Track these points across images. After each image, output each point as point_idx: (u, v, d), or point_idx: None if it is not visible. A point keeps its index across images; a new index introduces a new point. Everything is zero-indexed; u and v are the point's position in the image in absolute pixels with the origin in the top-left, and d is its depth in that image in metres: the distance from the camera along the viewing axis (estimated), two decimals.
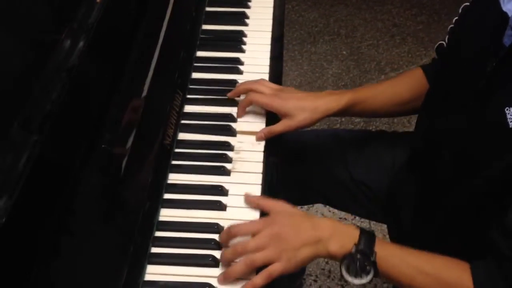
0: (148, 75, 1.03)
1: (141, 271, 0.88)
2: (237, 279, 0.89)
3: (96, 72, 0.99)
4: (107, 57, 1.02)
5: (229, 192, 1.01)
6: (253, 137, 1.11)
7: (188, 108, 1.15)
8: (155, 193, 0.97)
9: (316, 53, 2.63)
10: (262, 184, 1.03)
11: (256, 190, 1.02)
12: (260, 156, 1.08)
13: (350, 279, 0.90)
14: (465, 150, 0.98)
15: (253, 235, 0.91)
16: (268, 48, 1.30)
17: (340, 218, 1.91)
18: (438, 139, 1.04)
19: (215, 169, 1.04)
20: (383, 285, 1.80)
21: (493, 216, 0.91)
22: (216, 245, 0.93)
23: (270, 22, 1.37)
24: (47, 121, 0.81)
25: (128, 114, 0.95)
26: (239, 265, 0.88)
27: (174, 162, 1.05)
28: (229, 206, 0.99)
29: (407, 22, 2.79)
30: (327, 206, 1.72)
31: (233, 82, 1.21)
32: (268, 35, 1.33)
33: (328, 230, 0.92)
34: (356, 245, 0.90)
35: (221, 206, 0.98)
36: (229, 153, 1.07)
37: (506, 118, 0.88)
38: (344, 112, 1.16)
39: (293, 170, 1.30)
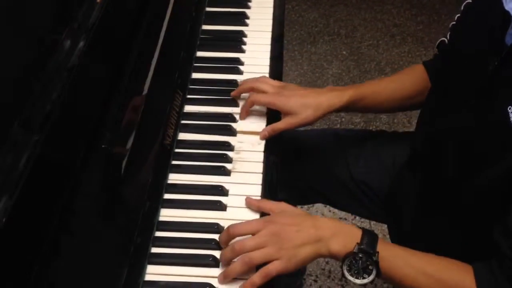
0: (148, 75, 1.03)
1: (141, 271, 0.88)
2: (238, 278, 0.88)
3: (96, 72, 0.99)
4: (107, 57, 1.02)
5: (229, 192, 1.01)
6: (253, 137, 1.11)
7: (188, 108, 1.15)
8: (155, 193, 0.97)
9: (316, 53, 2.63)
10: (262, 184, 1.03)
11: (256, 190, 1.02)
12: (260, 156, 1.08)
13: (351, 279, 0.90)
14: (467, 150, 0.98)
15: (253, 234, 0.91)
16: (268, 48, 1.30)
17: (340, 218, 1.91)
18: (440, 139, 1.04)
19: (215, 169, 1.04)
20: (383, 285, 1.80)
21: (495, 216, 0.91)
22: (217, 245, 0.92)
23: (270, 22, 1.37)
24: (48, 121, 0.81)
25: (128, 114, 0.95)
26: (238, 263, 0.88)
27: (174, 162, 1.05)
28: (229, 206, 0.99)
29: (407, 22, 2.79)
30: (327, 206, 1.72)
31: (233, 82, 1.21)
32: (268, 35, 1.33)
33: (330, 229, 0.91)
34: (359, 244, 0.89)
35: (221, 206, 0.98)
36: (229, 153, 1.07)
37: (509, 117, 0.87)
38: (347, 108, 1.17)
39: (293, 170, 1.30)
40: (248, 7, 1.40)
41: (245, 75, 1.23)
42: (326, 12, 2.85)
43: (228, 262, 0.89)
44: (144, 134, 0.98)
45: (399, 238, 1.21)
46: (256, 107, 1.15)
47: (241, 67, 1.25)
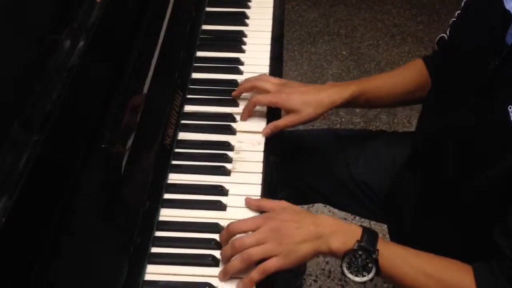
0: (148, 75, 1.03)
1: (141, 271, 0.88)
2: (238, 275, 0.88)
3: (96, 72, 0.99)
4: (107, 57, 1.02)
5: (229, 192, 1.01)
6: (253, 137, 1.11)
7: (188, 108, 1.15)
8: (155, 193, 0.97)
9: (316, 53, 2.63)
10: (262, 184, 1.03)
11: (256, 190, 1.02)
12: (260, 156, 1.08)
13: (351, 276, 0.89)
14: (467, 149, 0.98)
15: (254, 231, 0.91)
16: (268, 48, 1.30)
17: (340, 218, 1.90)
18: (440, 138, 1.04)
19: (215, 169, 1.04)
20: (383, 285, 1.80)
21: (496, 216, 0.91)
22: (216, 245, 0.92)
23: (270, 22, 1.37)
24: (48, 121, 0.81)
25: (128, 114, 0.95)
26: (237, 260, 0.88)
27: (174, 162, 1.05)
28: (229, 206, 0.99)
29: (407, 22, 2.79)
30: (327, 206, 1.72)
31: (233, 82, 1.21)
32: (268, 35, 1.33)
33: (330, 226, 0.91)
34: (359, 241, 0.89)
35: (221, 206, 0.98)
36: (229, 153, 1.07)
37: (509, 117, 0.87)
38: (348, 103, 1.17)
39: (293, 170, 1.30)
40: (248, 7, 1.40)
41: (245, 75, 1.23)
42: (326, 12, 2.85)
43: (228, 260, 0.89)
44: (144, 134, 0.98)
45: (399, 238, 1.21)
46: (257, 107, 1.15)
47: (241, 67, 1.25)
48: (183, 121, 1.12)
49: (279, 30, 1.36)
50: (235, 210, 0.98)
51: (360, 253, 0.89)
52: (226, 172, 1.04)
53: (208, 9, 1.39)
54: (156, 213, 0.96)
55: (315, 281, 1.83)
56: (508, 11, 0.91)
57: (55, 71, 0.88)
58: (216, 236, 0.94)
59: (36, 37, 0.91)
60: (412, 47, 2.65)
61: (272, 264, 0.88)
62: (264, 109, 1.15)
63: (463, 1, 1.10)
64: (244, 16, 1.37)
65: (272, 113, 1.15)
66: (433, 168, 1.08)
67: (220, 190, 1.01)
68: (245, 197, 0.99)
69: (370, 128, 2.28)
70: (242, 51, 1.29)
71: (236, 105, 1.17)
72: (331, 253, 0.91)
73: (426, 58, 1.24)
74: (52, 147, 0.81)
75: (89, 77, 0.96)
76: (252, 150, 1.09)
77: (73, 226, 0.81)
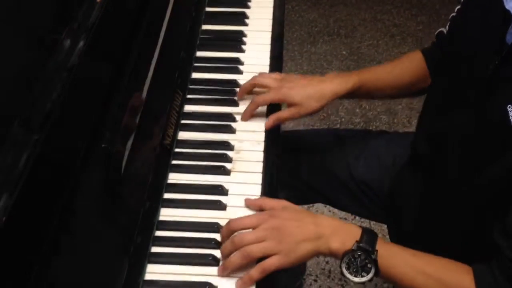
0: (148, 75, 1.03)
1: (142, 270, 0.88)
2: (237, 273, 0.88)
3: (96, 72, 0.99)
4: (107, 56, 1.02)
5: (229, 192, 1.01)
6: (253, 137, 1.11)
7: (188, 108, 1.15)
8: (155, 192, 0.97)
9: (316, 53, 2.63)
10: (262, 184, 1.03)
11: (256, 190, 1.02)
12: (260, 156, 1.08)
13: (350, 277, 0.89)
14: (468, 149, 0.98)
15: (254, 228, 0.91)
16: (268, 48, 1.30)
17: (340, 218, 1.91)
18: (440, 138, 1.04)
19: (215, 168, 1.04)
20: (384, 285, 1.80)
21: (496, 217, 0.91)
22: (216, 245, 0.93)
23: (270, 22, 1.37)
24: (48, 120, 0.81)
25: (128, 114, 0.95)
26: (236, 256, 0.88)
27: (174, 162, 1.05)
28: (229, 206, 0.99)
29: (407, 22, 2.79)
30: (327, 206, 1.72)
31: (233, 82, 1.21)
32: (268, 35, 1.33)
33: (330, 227, 0.91)
34: (358, 242, 0.89)
35: (221, 206, 0.98)
36: (229, 153, 1.07)
37: (508, 116, 0.88)
38: (350, 94, 1.17)
39: (293, 170, 1.31)
40: (248, 7, 1.40)
41: (245, 75, 1.23)
42: (326, 12, 2.85)
43: (228, 256, 0.89)
44: (144, 133, 0.98)
45: (399, 238, 1.21)
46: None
47: (241, 67, 1.25)
48: (183, 121, 1.12)
49: (279, 30, 1.36)
50: (235, 210, 0.98)
51: (359, 253, 0.89)
52: (226, 172, 1.04)
53: (208, 9, 1.39)
54: (156, 212, 0.96)
55: (315, 280, 1.83)
56: (508, 11, 0.92)
57: (55, 71, 0.88)
58: (216, 236, 0.94)
59: (36, 37, 0.91)
60: (412, 47, 2.64)
61: (271, 263, 0.88)
62: (264, 108, 1.16)
63: None
64: (244, 16, 1.37)
65: (272, 112, 1.15)
66: (433, 168, 1.08)
67: (220, 190, 1.01)
68: (245, 196, 0.99)
69: (370, 128, 2.28)
70: (242, 51, 1.29)
71: (236, 104, 1.17)
72: (331, 254, 0.91)
73: (425, 50, 1.24)
74: (52, 146, 0.81)
75: (89, 77, 0.96)
76: (252, 149, 1.09)
77: (73, 226, 0.81)
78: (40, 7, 0.94)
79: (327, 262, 1.86)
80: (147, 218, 0.92)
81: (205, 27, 1.35)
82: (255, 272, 0.87)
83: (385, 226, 1.33)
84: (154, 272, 0.89)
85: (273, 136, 1.12)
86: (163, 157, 1.03)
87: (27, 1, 0.92)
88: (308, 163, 1.32)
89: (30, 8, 0.92)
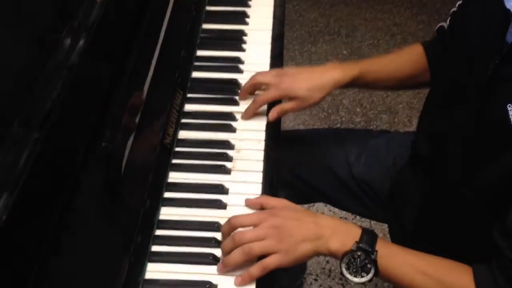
0: (148, 74, 1.03)
1: (142, 269, 0.88)
2: (236, 271, 0.89)
3: (96, 71, 0.99)
4: (107, 55, 1.02)
5: (230, 191, 1.01)
6: (254, 136, 1.11)
7: (189, 107, 1.15)
8: (155, 191, 0.97)
9: (316, 53, 2.63)
10: (262, 183, 1.03)
11: (257, 189, 1.02)
12: (260, 155, 1.08)
13: (350, 277, 0.89)
14: (468, 149, 0.97)
15: (255, 226, 0.91)
16: (268, 47, 1.30)
17: (340, 217, 1.90)
18: (441, 137, 1.04)
19: (216, 167, 1.04)
20: (384, 285, 1.80)
21: (496, 217, 0.91)
22: (217, 243, 0.93)
23: (271, 21, 1.37)
24: (48, 119, 0.81)
25: (129, 113, 0.95)
26: (237, 253, 0.88)
27: (174, 161, 1.05)
28: (229, 205, 0.99)
29: (407, 21, 2.79)
30: (328, 206, 1.72)
31: (234, 81, 1.21)
32: (269, 34, 1.33)
33: (330, 227, 0.91)
34: (357, 242, 0.89)
35: (221, 205, 0.99)
36: (230, 152, 1.07)
37: (508, 115, 0.87)
38: (350, 84, 1.17)
39: (294, 169, 1.30)
40: (249, 6, 1.40)
41: (245, 74, 1.23)
42: (326, 12, 2.85)
43: (228, 253, 0.89)
44: (144, 132, 0.98)
45: (399, 238, 1.21)
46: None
47: (241, 66, 1.25)
48: (183, 120, 1.12)
49: (280, 30, 1.36)
50: (236, 209, 0.98)
51: (359, 253, 0.89)
52: (227, 171, 1.04)
53: (208, 8, 1.39)
54: (156, 211, 0.96)
55: (316, 280, 1.83)
56: (508, 10, 0.91)
57: (56, 70, 0.88)
58: (216, 235, 0.94)
59: (37, 36, 0.91)
60: None
61: (271, 261, 0.88)
62: (264, 107, 1.15)
63: None
64: (245, 15, 1.37)
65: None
66: (434, 167, 1.08)
67: (221, 189, 1.01)
68: (245, 196, 0.99)
69: (371, 127, 2.28)
70: (243, 50, 1.29)
71: (236, 104, 1.17)
72: (330, 254, 0.91)
73: (426, 44, 1.24)
74: (52, 145, 0.81)
75: (89, 75, 0.96)
76: (253, 148, 1.09)
77: (74, 224, 0.82)
78: (40, 6, 0.94)
79: (327, 262, 1.86)
80: (148, 217, 0.92)
81: (205, 26, 1.34)
82: (255, 269, 0.87)
83: (386, 225, 1.33)
84: (154, 271, 0.89)
85: (273, 135, 1.12)
86: (164, 156, 1.03)
87: (27, 0, 0.92)
88: (309, 162, 1.32)
89: (30, 7, 0.92)
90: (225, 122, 1.13)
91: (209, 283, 0.88)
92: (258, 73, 1.18)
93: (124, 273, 0.82)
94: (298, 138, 1.36)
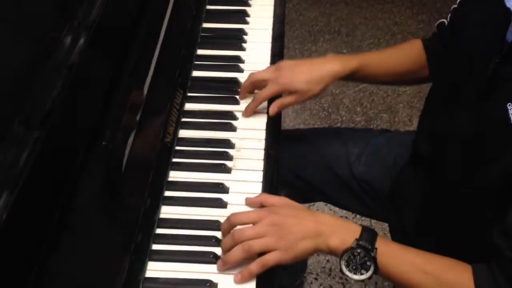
0: (148, 73, 1.03)
1: (142, 267, 0.88)
2: (236, 268, 0.89)
3: (96, 70, 0.99)
4: (107, 54, 1.02)
5: (230, 190, 1.01)
6: (254, 135, 1.11)
7: (189, 106, 1.15)
8: (155, 190, 0.97)
9: (317, 52, 2.62)
10: (263, 182, 1.03)
11: (257, 188, 1.02)
12: (261, 154, 1.08)
13: (349, 274, 0.90)
14: (468, 148, 0.97)
15: (255, 224, 0.91)
16: (268, 46, 1.30)
17: (341, 216, 1.90)
18: (441, 137, 1.04)
19: (216, 166, 1.04)
20: (384, 283, 1.80)
21: (496, 217, 0.91)
22: (217, 242, 0.93)
23: (271, 20, 1.37)
24: (48, 118, 0.81)
25: (129, 112, 0.95)
26: (237, 250, 0.88)
27: (174, 160, 1.05)
28: (230, 204, 0.99)
29: (408, 20, 2.79)
30: (328, 205, 1.71)
31: (234, 80, 1.21)
32: (269, 34, 1.33)
33: (330, 225, 0.91)
34: (357, 240, 0.89)
35: (222, 204, 0.99)
36: (230, 151, 1.07)
37: (508, 114, 0.87)
38: (349, 77, 1.17)
39: (294, 168, 1.30)
40: (249, 5, 1.40)
41: (245, 73, 1.23)
42: (326, 11, 2.85)
43: (228, 250, 0.90)
44: (144, 131, 0.98)
45: (400, 237, 1.21)
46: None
47: (241, 65, 1.25)
48: (183, 119, 1.12)
49: (280, 29, 1.36)
50: (236, 208, 0.98)
51: (358, 251, 0.89)
52: (227, 170, 1.04)
53: (208, 7, 1.39)
54: (157, 210, 0.96)
55: (316, 279, 1.83)
56: (508, 9, 0.91)
57: (56, 69, 0.88)
58: (216, 234, 0.94)
59: (37, 35, 0.91)
60: None
61: (271, 258, 0.88)
62: (265, 105, 1.16)
63: None
64: (245, 14, 1.37)
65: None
66: (434, 167, 1.08)
67: (221, 188, 1.01)
68: (245, 195, 0.99)
69: (371, 126, 2.28)
70: (243, 49, 1.29)
71: (237, 102, 1.17)
72: (330, 251, 0.91)
73: (425, 41, 1.24)
74: (53, 144, 0.82)
75: (89, 75, 0.96)
76: (253, 147, 1.09)
77: (74, 223, 0.82)
78: (41, 6, 0.94)
79: (328, 261, 1.86)
80: (148, 216, 0.93)
81: (205, 25, 1.34)
82: (255, 266, 0.87)
83: (386, 224, 1.33)
84: (154, 269, 0.89)
85: (274, 134, 1.12)
86: (164, 155, 1.03)
87: (27, 0, 0.92)
88: (309, 161, 1.32)
89: (31, 7, 0.92)
90: (225, 121, 1.13)
91: (210, 281, 0.88)
92: (256, 71, 1.18)
93: (125, 271, 0.83)
94: (298, 137, 1.36)
